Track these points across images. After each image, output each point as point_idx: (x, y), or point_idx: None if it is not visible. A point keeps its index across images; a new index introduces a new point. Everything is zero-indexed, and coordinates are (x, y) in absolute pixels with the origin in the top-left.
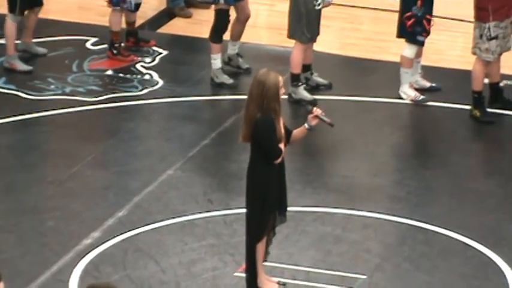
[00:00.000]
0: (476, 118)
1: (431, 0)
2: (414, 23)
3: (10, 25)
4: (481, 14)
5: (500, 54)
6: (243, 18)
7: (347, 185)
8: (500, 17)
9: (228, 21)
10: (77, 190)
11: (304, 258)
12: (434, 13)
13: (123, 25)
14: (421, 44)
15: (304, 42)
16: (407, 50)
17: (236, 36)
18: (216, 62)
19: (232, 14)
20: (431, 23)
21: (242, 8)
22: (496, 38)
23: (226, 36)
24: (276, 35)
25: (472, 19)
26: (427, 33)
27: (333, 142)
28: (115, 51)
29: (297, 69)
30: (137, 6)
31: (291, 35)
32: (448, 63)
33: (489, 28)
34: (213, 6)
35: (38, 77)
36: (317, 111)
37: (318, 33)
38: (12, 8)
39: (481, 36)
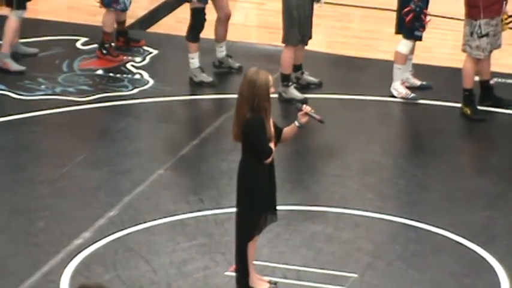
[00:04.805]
0: (467, 116)
1: None
2: (413, 17)
3: (13, 22)
4: (472, 11)
5: (490, 51)
6: (224, 18)
7: (338, 184)
8: (491, 14)
9: (204, 20)
10: (67, 190)
11: (295, 257)
12: None
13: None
14: (418, 38)
15: (295, 44)
16: (403, 46)
17: (221, 37)
18: (194, 61)
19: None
20: (428, 18)
21: (220, 7)
22: (486, 35)
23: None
24: (266, 34)
25: (462, 17)
26: (424, 28)
27: (324, 141)
28: (104, 51)
29: (287, 70)
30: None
31: (284, 41)
32: (439, 61)
33: (480, 25)
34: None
35: (29, 77)
36: (306, 108)
37: (310, 36)
38: (18, 3)
39: (471, 34)
